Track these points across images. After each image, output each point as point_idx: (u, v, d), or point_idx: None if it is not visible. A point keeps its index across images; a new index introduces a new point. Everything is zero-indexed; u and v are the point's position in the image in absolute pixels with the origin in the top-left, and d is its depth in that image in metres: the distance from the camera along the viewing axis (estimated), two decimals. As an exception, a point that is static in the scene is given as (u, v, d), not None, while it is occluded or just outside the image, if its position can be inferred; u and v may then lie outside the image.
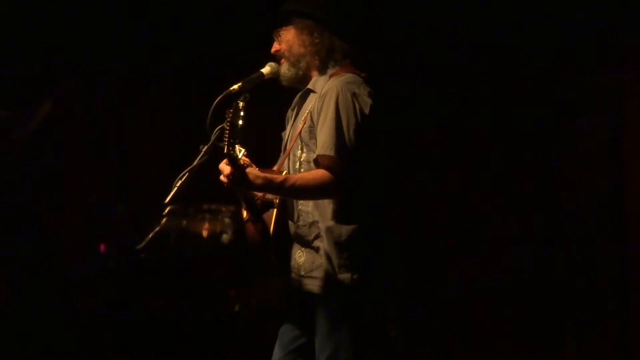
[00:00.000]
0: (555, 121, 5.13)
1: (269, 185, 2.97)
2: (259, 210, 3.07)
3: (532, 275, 5.10)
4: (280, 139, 3.33)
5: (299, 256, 3.08)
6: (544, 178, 5.14)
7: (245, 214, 3.10)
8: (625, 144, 5.00)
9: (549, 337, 5.09)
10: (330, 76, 3.13)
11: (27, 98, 5.36)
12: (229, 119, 2.81)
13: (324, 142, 2.99)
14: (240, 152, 2.87)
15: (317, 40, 3.14)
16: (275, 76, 3.21)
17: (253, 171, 2.97)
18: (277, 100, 3.41)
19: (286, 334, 3.19)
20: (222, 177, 2.95)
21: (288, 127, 3.28)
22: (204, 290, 4.79)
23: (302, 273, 3.06)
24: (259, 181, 2.95)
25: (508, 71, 5.12)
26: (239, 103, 2.83)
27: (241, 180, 2.91)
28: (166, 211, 3.12)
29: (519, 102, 5.13)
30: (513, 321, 5.12)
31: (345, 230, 3.03)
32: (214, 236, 4.75)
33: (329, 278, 3.01)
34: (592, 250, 5.05)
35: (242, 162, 2.90)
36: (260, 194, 3.11)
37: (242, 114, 2.82)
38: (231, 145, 2.82)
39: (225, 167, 2.93)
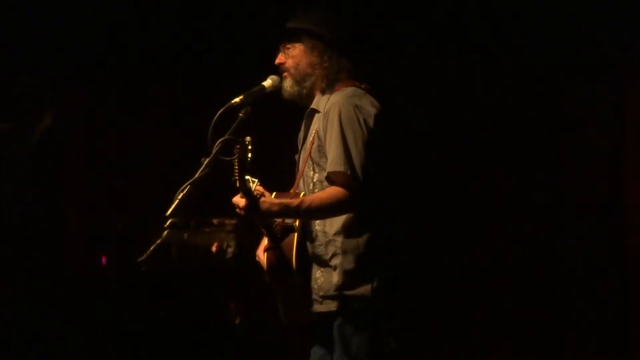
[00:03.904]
0: (558, 130, 5.17)
1: (285, 211, 2.98)
2: (279, 237, 3.07)
3: (533, 276, 5.12)
4: (292, 159, 3.31)
5: (319, 277, 3.08)
6: (545, 182, 5.18)
7: (266, 241, 3.10)
8: (625, 153, 5.02)
9: (549, 338, 5.11)
10: (332, 92, 3.12)
11: (28, 111, 5.36)
12: (237, 155, 2.85)
13: (333, 158, 2.98)
14: (253, 183, 2.91)
15: (327, 64, 3.12)
16: (277, 89, 3.19)
17: (268, 199, 2.99)
18: (285, 117, 3.40)
19: (314, 353, 3.19)
20: (237, 210, 2.98)
21: (300, 150, 3.26)
22: (204, 303, 4.78)
23: (321, 294, 3.06)
24: (275, 208, 2.97)
25: (510, 82, 5.15)
26: (246, 139, 2.87)
27: (257, 211, 2.94)
28: (167, 224, 3.12)
29: (522, 111, 5.16)
30: (513, 322, 5.15)
31: (362, 241, 3.02)
32: (217, 249, 4.75)
33: (348, 295, 3.01)
34: (593, 252, 5.09)
35: (255, 192, 2.93)
36: (279, 220, 3.11)
37: (250, 147, 2.86)
38: (242, 180, 2.86)
39: (239, 200, 2.96)
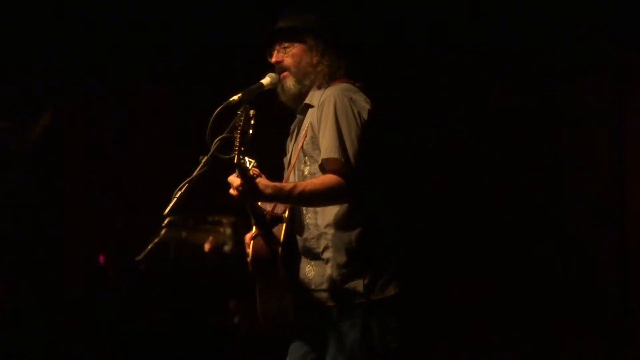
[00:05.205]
0: (558, 129, 5.18)
1: (279, 194, 2.92)
2: (268, 225, 3.03)
3: (533, 276, 5.14)
4: (282, 164, 3.29)
5: (309, 270, 3.05)
6: (545, 182, 5.19)
7: (254, 229, 3.07)
8: (627, 153, 5.04)
9: (549, 337, 5.11)
10: (326, 88, 3.12)
11: (27, 109, 5.37)
12: (239, 127, 2.76)
13: (327, 146, 2.97)
14: (250, 163, 2.84)
15: (328, 63, 3.13)
16: (275, 87, 3.19)
17: (263, 181, 2.93)
18: (278, 120, 3.39)
19: (296, 350, 3.14)
20: (231, 190, 2.92)
21: (289, 153, 3.24)
22: (203, 302, 4.78)
23: (313, 287, 3.03)
24: (269, 190, 2.90)
25: (511, 81, 5.16)
26: (249, 111, 2.79)
27: (251, 191, 2.87)
28: (165, 222, 3.10)
29: (522, 111, 5.18)
30: (513, 322, 5.16)
31: (354, 235, 3.01)
32: (214, 248, 4.75)
33: (340, 288, 2.99)
34: (593, 252, 5.11)
35: (251, 172, 2.87)
36: (269, 209, 3.08)
37: (252, 122, 2.78)
38: (241, 154, 2.77)
39: (234, 180, 2.89)
